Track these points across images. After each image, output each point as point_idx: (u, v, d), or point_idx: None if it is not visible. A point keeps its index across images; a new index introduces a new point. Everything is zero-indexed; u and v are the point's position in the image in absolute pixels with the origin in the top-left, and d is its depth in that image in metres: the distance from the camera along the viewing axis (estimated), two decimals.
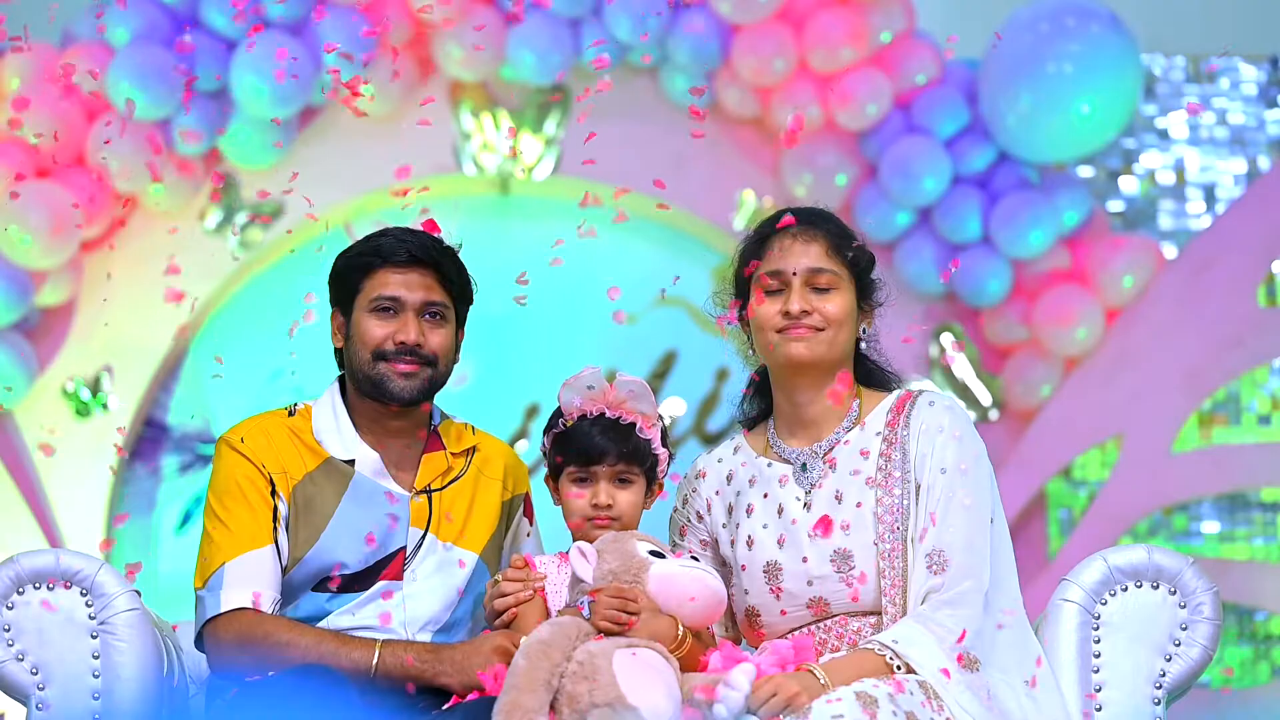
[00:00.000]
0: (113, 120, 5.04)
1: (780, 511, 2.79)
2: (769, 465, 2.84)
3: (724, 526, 2.86)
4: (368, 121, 4.92)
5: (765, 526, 2.79)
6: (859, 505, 2.73)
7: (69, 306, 5.50)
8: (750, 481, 2.85)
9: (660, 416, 2.81)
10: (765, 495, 2.81)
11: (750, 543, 2.79)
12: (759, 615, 2.79)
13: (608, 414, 2.75)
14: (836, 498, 2.75)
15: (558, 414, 2.79)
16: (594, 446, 2.73)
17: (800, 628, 2.75)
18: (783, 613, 2.75)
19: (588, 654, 2.51)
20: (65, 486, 5.42)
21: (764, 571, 2.77)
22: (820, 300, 2.78)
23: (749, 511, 2.82)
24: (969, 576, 2.64)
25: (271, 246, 5.50)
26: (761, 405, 2.92)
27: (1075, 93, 5.34)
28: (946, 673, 2.55)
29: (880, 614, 2.69)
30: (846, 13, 5.44)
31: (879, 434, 2.78)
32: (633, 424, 2.75)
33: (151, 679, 2.76)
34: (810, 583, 2.73)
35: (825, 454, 2.80)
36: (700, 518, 2.90)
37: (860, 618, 2.71)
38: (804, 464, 2.81)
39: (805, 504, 2.78)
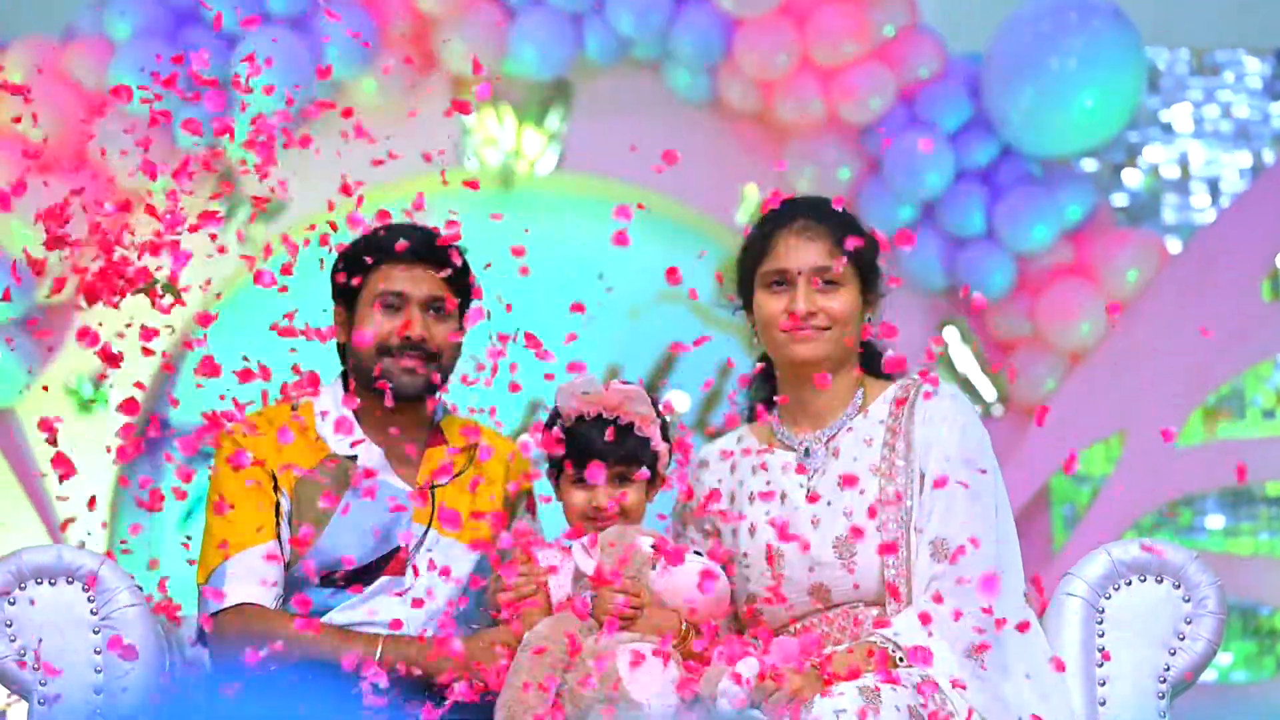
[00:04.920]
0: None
1: (783, 498, 2.78)
2: (772, 453, 2.83)
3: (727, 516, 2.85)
4: (368, 118, 4.88)
5: (768, 513, 2.78)
6: (862, 493, 2.73)
7: (70, 304, 5.49)
8: (753, 470, 2.84)
9: (659, 414, 2.79)
10: (768, 482, 2.80)
11: (753, 530, 2.78)
12: (761, 604, 2.78)
13: (605, 415, 2.74)
14: (840, 485, 2.74)
15: (556, 413, 2.78)
16: (592, 449, 2.72)
17: (803, 617, 2.74)
18: (784, 599, 2.74)
19: (590, 649, 2.51)
20: (68, 482, 5.40)
21: (766, 558, 2.76)
22: (826, 299, 2.77)
23: (751, 499, 2.81)
24: (973, 565, 2.63)
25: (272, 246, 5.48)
26: (765, 393, 2.91)
27: (1079, 86, 5.33)
28: (958, 681, 2.54)
29: (884, 604, 2.68)
30: (849, 7, 5.43)
31: (883, 422, 2.77)
32: (630, 424, 2.74)
33: (153, 674, 2.76)
34: (812, 569, 2.72)
35: (829, 441, 2.79)
36: (704, 508, 2.89)
37: (864, 608, 2.70)
38: (807, 449, 2.80)
39: (808, 491, 2.77)
